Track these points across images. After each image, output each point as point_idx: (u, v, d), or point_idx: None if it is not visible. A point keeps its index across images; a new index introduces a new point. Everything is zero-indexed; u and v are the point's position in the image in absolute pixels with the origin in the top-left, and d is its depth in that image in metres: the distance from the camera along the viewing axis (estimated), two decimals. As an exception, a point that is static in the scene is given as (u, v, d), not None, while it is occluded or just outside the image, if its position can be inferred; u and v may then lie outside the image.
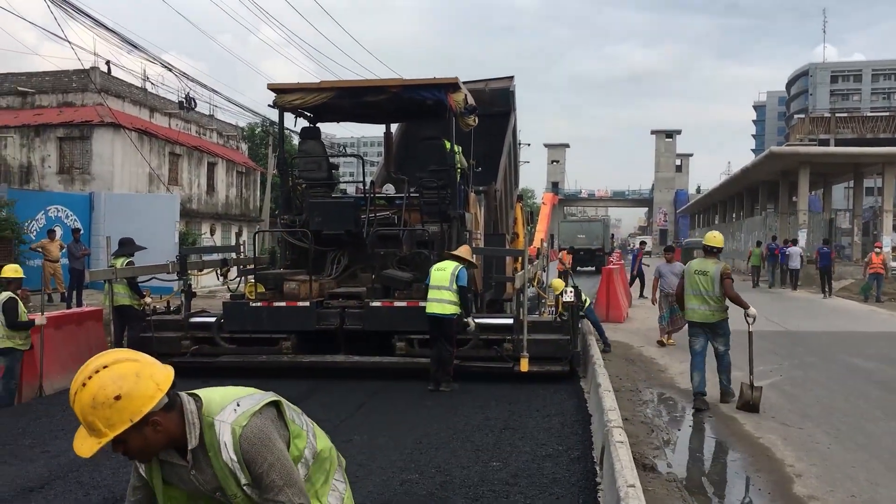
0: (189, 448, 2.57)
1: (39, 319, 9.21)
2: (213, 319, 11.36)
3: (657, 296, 14.93)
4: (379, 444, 7.14)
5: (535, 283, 13.15)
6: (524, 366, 10.06)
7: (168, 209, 24.19)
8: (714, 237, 9.98)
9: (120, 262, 11.50)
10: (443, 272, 10.02)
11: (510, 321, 10.88)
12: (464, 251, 10.50)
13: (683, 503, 5.84)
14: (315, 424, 2.96)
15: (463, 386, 9.88)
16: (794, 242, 30.93)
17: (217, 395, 2.66)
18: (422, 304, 10.56)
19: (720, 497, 6.16)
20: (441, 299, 9.88)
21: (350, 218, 11.81)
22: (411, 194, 12.27)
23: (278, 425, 2.67)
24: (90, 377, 2.40)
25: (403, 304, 10.71)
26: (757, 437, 7.81)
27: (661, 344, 14.33)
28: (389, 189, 13.80)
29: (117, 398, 2.39)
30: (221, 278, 13.51)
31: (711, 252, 9.82)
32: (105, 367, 2.43)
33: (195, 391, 2.66)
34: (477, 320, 10.76)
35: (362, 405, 8.91)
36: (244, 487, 2.60)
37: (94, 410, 2.39)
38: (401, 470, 6.34)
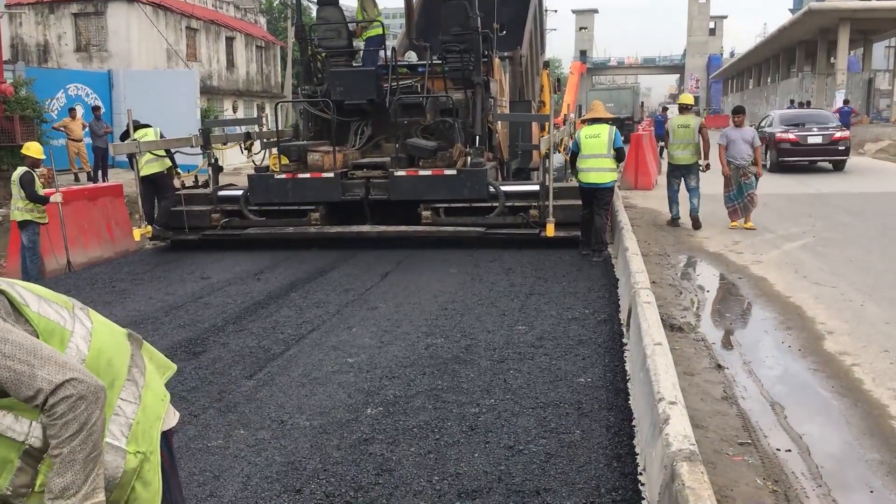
0: None
1: (55, 196, 9.23)
2: (240, 192, 11.34)
3: (728, 168, 11.97)
4: (404, 311, 7.14)
5: (562, 150, 12.84)
6: (550, 231, 9.95)
7: (187, 85, 23.87)
8: (687, 97, 13.26)
9: (152, 133, 11.35)
10: (597, 139, 9.44)
11: (536, 188, 10.71)
12: (600, 108, 10.08)
13: (711, 361, 5.80)
14: (107, 324, 2.21)
15: (488, 253, 9.83)
16: (808, 104, 33.18)
17: None
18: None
19: (748, 355, 6.09)
20: (600, 168, 9.37)
21: (372, 87, 11.53)
22: (434, 62, 11.91)
23: (7, 317, 1.89)
24: None
25: (428, 172, 10.56)
26: (787, 297, 7.70)
27: (733, 228, 11.81)
28: (411, 56, 13.42)
29: None
30: (246, 152, 13.38)
31: (688, 109, 12.83)
32: None
33: None
34: (503, 188, 10.66)
35: (388, 274, 8.90)
36: None
37: None
38: (426, 335, 6.34)
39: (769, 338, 6.60)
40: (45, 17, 27.62)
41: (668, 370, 4.32)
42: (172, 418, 2.28)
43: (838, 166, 20.66)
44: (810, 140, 20.22)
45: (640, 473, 3.82)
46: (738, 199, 11.92)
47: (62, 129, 19.01)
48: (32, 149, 9.26)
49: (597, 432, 4.34)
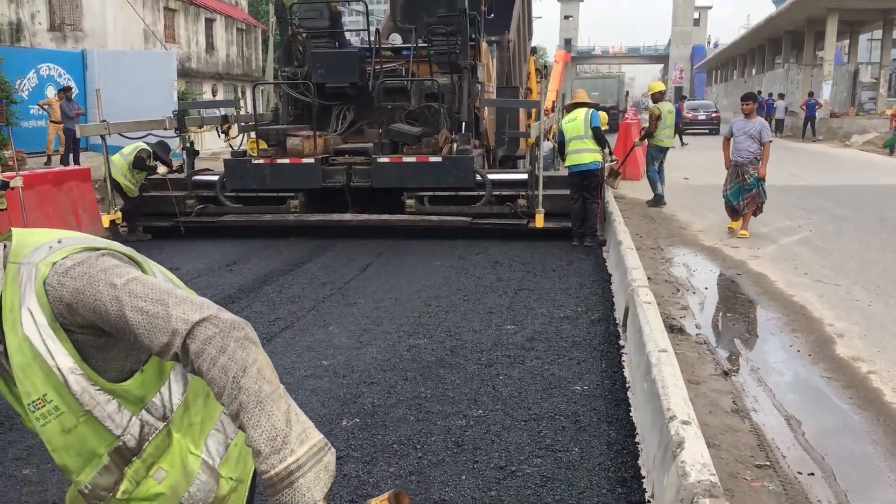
0: None
1: (15, 181, 8.69)
2: (216, 178, 10.84)
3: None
4: (385, 307, 6.68)
5: (551, 137, 12.39)
6: (539, 221, 9.53)
7: (164, 67, 23.10)
8: (658, 85, 14.00)
9: (130, 149, 10.55)
10: (574, 122, 9.66)
11: (525, 177, 10.28)
12: (582, 95, 10.44)
13: (716, 367, 5.38)
14: None
15: (474, 245, 9.41)
16: (782, 97, 36.47)
17: (38, 235, 1.62)
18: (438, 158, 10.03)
19: (756, 360, 5.67)
20: (579, 150, 9.51)
21: (355, 69, 11.04)
22: (419, 45, 11.44)
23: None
24: None
25: (412, 159, 10.11)
26: (790, 295, 7.30)
27: (730, 231, 10.48)
28: (396, 39, 12.96)
29: None
30: (223, 136, 12.85)
31: (664, 95, 13.78)
32: None
33: (14, 230, 1.63)
34: (490, 176, 10.22)
35: (368, 266, 8.43)
36: (65, 375, 1.54)
37: None
38: (408, 334, 5.88)
39: (776, 340, 6.18)
40: (17, -5, 26.76)
41: (677, 382, 3.90)
42: None
43: (712, 131, 35.77)
44: (700, 117, 37.23)
45: (648, 502, 3.39)
46: (735, 200, 10.25)
47: (46, 107, 18.33)
48: None
49: (597, 450, 3.91)
